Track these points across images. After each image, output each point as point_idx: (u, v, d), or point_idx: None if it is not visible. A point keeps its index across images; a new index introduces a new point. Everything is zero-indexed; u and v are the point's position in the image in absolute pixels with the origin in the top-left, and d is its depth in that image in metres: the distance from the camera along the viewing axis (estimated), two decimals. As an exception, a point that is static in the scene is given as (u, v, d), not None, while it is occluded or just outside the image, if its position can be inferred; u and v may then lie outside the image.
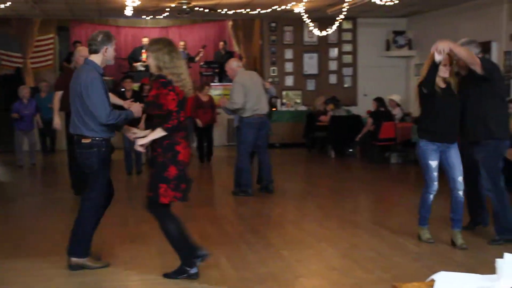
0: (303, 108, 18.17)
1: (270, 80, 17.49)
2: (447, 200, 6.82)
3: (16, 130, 13.93)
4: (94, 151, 5.86)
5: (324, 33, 16.89)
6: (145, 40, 18.59)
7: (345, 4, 14.32)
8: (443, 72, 6.44)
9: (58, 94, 9.68)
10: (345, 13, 15.16)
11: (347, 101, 17.88)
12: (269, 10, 15.76)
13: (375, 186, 11.40)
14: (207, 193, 10.81)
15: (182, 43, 19.47)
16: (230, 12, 16.34)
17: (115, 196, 6.26)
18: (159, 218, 5.59)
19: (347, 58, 18.76)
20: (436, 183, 6.69)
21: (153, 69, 5.48)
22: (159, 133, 5.38)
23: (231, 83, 10.24)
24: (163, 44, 5.50)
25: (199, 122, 13.83)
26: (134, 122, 8.98)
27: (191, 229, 7.31)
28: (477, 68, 6.44)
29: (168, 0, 14.52)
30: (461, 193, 6.62)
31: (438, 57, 6.26)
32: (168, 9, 15.66)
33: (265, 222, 8.14)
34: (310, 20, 16.21)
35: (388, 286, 4.68)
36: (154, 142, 5.44)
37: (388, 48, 18.42)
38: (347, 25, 18.45)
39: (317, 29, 16.83)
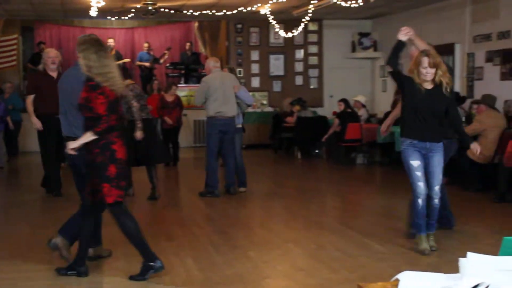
0: (269, 109, 18.20)
1: (243, 81, 17.49)
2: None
3: None
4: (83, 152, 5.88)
5: (290, 34, 16.96)
6: (111, 41, 18.45)
7: (310, 6, 14.37)
8: (424, 76, 6.23)
9: (30, 98, 9.59)
10: (310, 14, 15.22)
11: (313, 102, 17.95)
12: (235, 11, 15.77)
13: (341, 187, 11.47)
14: (174, 195, 10.78)
15: (146, 44, 19.38)
16: (196, 13, 16.31)
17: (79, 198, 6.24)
18: (114, 216, 5.63)
19: (313, 60, 18.85)
20: (420, 184, 6.36)
21: (84, 69, 5.47)
22: (89, 136, 5.38)
23: (197, 84, 10.27)
24: (90, 43, 5.50)
25: (168, 120, 13.63)
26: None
27: (158, 231, 7.30)
28: None
29: (134, 1, 14.44)
30: (436, 201, 6.49)
31: (402, 37, 6.36)
32: (133, 10, 15.57)
33: (232, 223, 8.13)
34: (276, 21, 16.25)
35: (354, 286, 4.71)
36: (89, 143, 5.43)
37: (353, 49, 18.54)
38: (313, 27, 18.53)
39: (283, 30, 16.88)
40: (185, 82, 18.44)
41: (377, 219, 7.82)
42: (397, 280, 2.66)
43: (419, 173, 6.36)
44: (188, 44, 19.73)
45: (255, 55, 18.50)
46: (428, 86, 6.32)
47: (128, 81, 9.13)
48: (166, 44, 20.54)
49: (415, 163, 6.37)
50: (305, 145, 15.62)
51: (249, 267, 6.05)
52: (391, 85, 15.86)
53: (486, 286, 2.47)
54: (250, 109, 17.93)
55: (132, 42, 21.55)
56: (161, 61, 18.97)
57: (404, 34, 6.35)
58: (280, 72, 18.66)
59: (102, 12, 15.37)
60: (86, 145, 5.44)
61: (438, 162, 6.38)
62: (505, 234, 3.57)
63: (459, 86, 13.86)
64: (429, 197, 6.48)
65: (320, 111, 17.67)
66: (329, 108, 17.88)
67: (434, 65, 6.22)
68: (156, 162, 9.91)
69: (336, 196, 10.79)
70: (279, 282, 5.68)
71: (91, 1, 13.62)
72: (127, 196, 9.42)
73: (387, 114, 11.46)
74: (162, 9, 14.94)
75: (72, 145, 5.46)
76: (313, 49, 18.83)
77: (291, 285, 5.58)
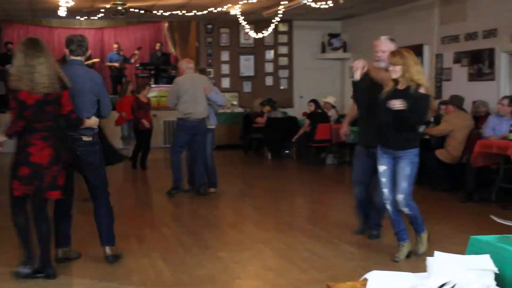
0: (239, 110, 18.20)
1: (213, 82, 17.46)
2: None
3: None
4: (97, 148, 6.08)
5: (260, 35, 16.98)
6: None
7: (280, 7, 14.40)
8: (394, 74, 6.01)
9: None
10: (280, 15, 15.26)
11: (283, 103, 17.99)
12: (205, 12, 15.74)
13: (311, 187, 11.52)
14: (144, 196, 10.74)
15: (115, 45, 19.28)
16: (166, 14, 16.25)
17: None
18: (11, 209, 5.67)
19: (283, 60, 18.89)
20: (384, 190, 6.21)
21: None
22: (3, 137, 5.55)
23: (167, 85, 10.28)
24: (23, 43, 5.53)
25: (145, 123, 13.50)
26: None
27: (128, 232, 7.27)
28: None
29: (103, 1, 14.35)
30: (404, 209, 6.24)
31: (356, 76, 6.38)
32: (103, 10, 15.47)
33: (202, 224, 8.12)
34: (246, 22, 16.25)
35: (324, 286, 4.75)
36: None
37: (323, 50, 18.62)
38: (283, 28, 18.58)
39: (253, 31, 16.90)
40: (155, 83, 18.37)
41: (346, 219, 7.86)
42: (366, 279, 2.69)
43: (383, 179, 6.20)
44: (158, 44, 19.66)
45: (225, 56, 18.49)
46: (402, 87, 5.99)
47: None
48: (136, 44, 20.45)
49: (381, 168, 6.22)
50: (275, 145, 15.65)
51: (220, 268, 6.05)
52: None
53: (453, 284, 2.51)
54: (220, 110, 17.94)
55: (101, 43, 21.42)
56: (132, 61, 18.87)
57: (355, 71, 6.30)
58: (250, 72, 18.67)
59: (71, 12, 15.25)
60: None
61: (400, 170, 6.07)
62: (472, 233, 3.62)
63: (427, 87, 13.96)
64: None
65: (290, 112, 17.72)
66: (299, 109, 17.93)
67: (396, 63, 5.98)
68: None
69: (306, 197, 10.83)
70: (249, 283, 5.69)
71: (59, 1, 13.51)
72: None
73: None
74: (131, 9, 14.87)
75: None
76: (283, 50, 18.88)
77: (261, 286, 5.60)
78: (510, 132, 9.12)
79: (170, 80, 16.89)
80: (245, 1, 14.17)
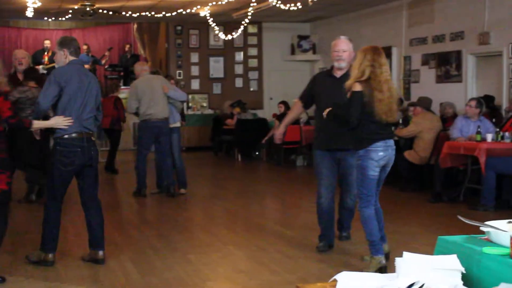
0: (209, 111, 18.19)
1: (183, 84, 17.44)
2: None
3: None
4: (96, 147, 6.21)
5: (229, 37, 16.98)
6: (47, 43, 18.15)
7: (250, 9, 14.41)
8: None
9: None
10: (250, 17, 15.27)
11: (253, 104, 18.01)
12: (174, 13, 15.70)
13: (281, 189, 11.55)
14: (112, 198, 10.66)
15: (85, 46, 19.12)
16: (135, 15, 16.17)
17: (14, 203, 6.14)
18: None
19: (253, 62, 18.91)
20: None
21: None
22: None
23: None
24: None
25: (123, 126, 13.44)
26: None
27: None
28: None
29: (71, 2, 14.23)
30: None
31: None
32: (71, 11, 15.35)
33: (171, 227, 8.09)
34: (215, 24, 16.25)
35: (294, 287, 4.76)
36: None
37: (293, 52, 18.67)
38: (252, 29, 18.60)
39: (222, 33, 16.90)
40: (124, 84, 18.25)
41: (316, 220, 7.88)
42: (335, 280, 2.70)
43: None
44: (127, 46, 19.55)
45: (194, 57, 18.45)
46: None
47: (31, 84, 8.91)
48: (105, 45, 20.32)
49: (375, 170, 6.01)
50: (245, 147, 15.66)
51: (190, 270, 6.03)
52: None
53: (421, 284, 2.53)
54: (190, 112, 17.91)
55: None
56: (103, 62, 18.75)
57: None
58: (220, 74, 18.66)
59: (39, 12, 15.11)
60: None
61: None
62: (440, 233, 3.66)
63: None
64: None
65: (260, 113, 17.74)
66: (269, 110, 17.97)
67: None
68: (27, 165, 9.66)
69: (276, 198, 10.85)
70: (219, 285, 5.68)
71: (27, 2, 13.38)
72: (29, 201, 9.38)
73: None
74: (100, 10, 14.77)
75: None
76: (253, 51, 18.90)
77: (231, 288, 5.60)
78: (477, 133, 9.23)
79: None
80: (215, 3, 14.15)
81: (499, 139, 9.13)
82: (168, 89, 10.03)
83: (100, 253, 6.22)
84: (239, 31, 16.74)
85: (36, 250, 6.21)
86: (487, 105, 10.64)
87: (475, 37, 12.17)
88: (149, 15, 16.12)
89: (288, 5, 13.56)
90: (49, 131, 6.23)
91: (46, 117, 6.17)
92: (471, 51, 12.39)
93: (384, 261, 5.75)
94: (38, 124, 5.93)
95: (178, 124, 10.45)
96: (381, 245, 5.81)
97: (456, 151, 9.30)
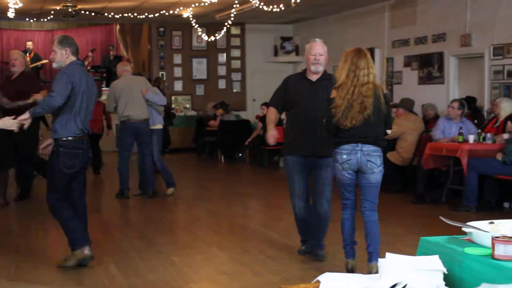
0: (192, 113, 18.16)
1: (166, 85, 17.40)
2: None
3: None
4: (91, 150, 6.28)
5: (212, 38, 16.98)
6: (29, 44, 18.06)
7: (233, 10, 14.42)
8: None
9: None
10: (233, 18, 15.27)
11: (236, 106, 18.01)
12: (157, 14, 15.67)
13: (264, 190, 11.55)
14: (95, 199, 10.61)
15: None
16: (117, 16, 16.12)
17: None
18: None
19: (236, 63, 18.92)
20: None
21: None
22: None
23: None
24: None
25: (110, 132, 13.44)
26: None
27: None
28: None
29: (53, 3, 14.16)
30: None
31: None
32: (53, 12, 15.27)
33: (155, 228, 8.07)
34: (198, 25, 16.23)
35: (277, 288, 4.77)
36: None
37: (276, 53, 18.70)
38: (235, 31, 18.60)
39: (205, 34, 16.89)
40: (107, 86, 18.17)
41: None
42: (318, 281, 2.71)
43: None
44: (110, 47, 19.49)
45: (177, 59, 18.42)
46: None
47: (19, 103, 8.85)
48: (87, 47, 20.23)
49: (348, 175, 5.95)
50: (229, 148, 15.66)
51: (173, 272, 6.02)
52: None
53: (404, 285, 2.54)
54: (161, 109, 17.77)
55: (51, 45, 21.13)
56: (86, 63, 18.66)
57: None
58: (203, 75, 18.64)
59: (20, 13, 15.02)
60: None
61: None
62: (423, 234, 3.68)
63: (378, 90, 14.13)
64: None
65: (243, 115, 17.75)
66: (252, 112, 17.98)
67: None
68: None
69: (259, 199, 10.86)
70: (203, 287, 5.68)
71: (8, 2, 13.29)
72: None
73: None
74: (82, 11, 14.71)
75: None
76: (236, 53, 18.90)
77: (215, 289, 5.59)
78: (460, 134, 9.29)
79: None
80: (197, 4, 14.14)
81: (481, 140, 9.19)
82: (147, 92, 9.98)
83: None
84: (222, 32, 16.75)
85: (68, 255, 6.07)
86: (469, 107, 10.71)
87: (457, 39, 12.25)
88: (132, 16, 16.07)
89: (271, 7, 13.58)
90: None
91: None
92: (453, 53, 12.47)
93: (349, 266, 5.76)
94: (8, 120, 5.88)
95: (158, 126, 10.42)
96: (351, 249, 5.81)
97: (438, 152, 9.35)
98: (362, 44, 11.89)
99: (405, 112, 10.58)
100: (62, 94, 5.83)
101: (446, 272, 2.71)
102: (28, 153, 9.51)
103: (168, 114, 12.35)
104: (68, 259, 6.01)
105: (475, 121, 10.14)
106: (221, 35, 17.00)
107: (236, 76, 18.93)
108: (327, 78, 6.24)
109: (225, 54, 18.80)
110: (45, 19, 16.84)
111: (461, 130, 9.33)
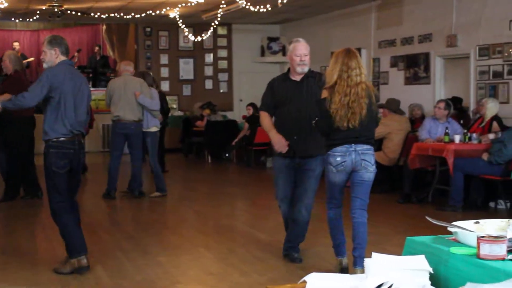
0: (179, 113, 18.14)
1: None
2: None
3: None
4: (84, 151, 6.21)
5: (199, 38, 16.96)
6: (16, 45, 17.98)
7: (219, 10, 14.42)
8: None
9: None
10: (219, 19, 15.26)
11: (223, 106, 18.00)
12: (143, 14, 15.63)
13: (251, 190, 11.56)
14: (81, 200, 10.57)
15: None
16: (104, 16, 16.07)
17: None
18: None
19: (223, 64, 18.91)
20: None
21: None
22: None
23: (106, 88, 10.35)
24: None
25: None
26: None
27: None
28: None
29: (39, 3, 14.10)
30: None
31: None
32: (38, 12, 15.21)
33: (142, 229, 8.06)
34: (185, 25, 16.21)
35: (264, 288, 4.77)
36: None
37: (262, 54, 18.70)
38: (222, 31, 18.60)
39: (192, 34, 16.87)
40: (93, 86, 18.12)
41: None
42: (305, 282, 2.71)
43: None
44: (96, 47, 19.42)
45: (164, 59, 18.40)
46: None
47: None
48: (73, 47, 20.11)
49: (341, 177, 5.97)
50: (215, 149, 15.65)
51: (160, 273, 6.01)
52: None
53: (390, 285, 2.55)
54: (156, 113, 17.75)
55: (38, 45, 21.03)
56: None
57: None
58: (190, 76, 18.62)
59: (6, 13, 14.94)
60: None
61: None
62: (409, 234, 3.69)
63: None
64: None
65: (230, 115, 17.75)
66: (239, 112, 17.98)
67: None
68: None
69: (246, 200, 10.86)
70: (190, 287, 5.67)
71: (-7, 2, 13.23)
72: None
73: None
74: (68, 11, 14.66)
75: None
76: (223, 53, 18.89)
77: (201, 290, 5.59)
78: (446, 135, 9.33)
79: (109, 83, 16.73)
80: (184, 4, 14.12)
81: (467, 140, 9.24)
82: (139, 95, 9.91)
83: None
84: (209, 32, 16.75)
85: (65, 261, 6.01)
86: (455, 107, 10.76)
87: (443, 39, 12.30)
88: (118, 16, 16.03)
89: (257, 7, 13.59)
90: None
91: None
92: (439, 53, 12.53)
93: (344, 263, 5.79)
94: None
95: (153, 129, 10.38)
96: (342, 248, 5.82)
97: (424, 152, 9.39)
98: (348, 44, 11.92)
99: (390, 112, 10.60)
100: (33, 97, 5.85)
101: (432, 272, 2.72)
102: (19, 153, 9.51)
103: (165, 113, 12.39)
104: (65, 265, 5.96)
105: (461, 121, 10.19)
106: (207, 36, 17.00)
107: (223, 77, 18.93)
108: (310, 76, 6.24)
109: (212, 55, 18.79)
110: (31, 19, 16.76)
111: (447, 130, 9.37)
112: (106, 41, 19.94)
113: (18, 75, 9.33)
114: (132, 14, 15.68)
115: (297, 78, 6.26)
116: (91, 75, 18.56)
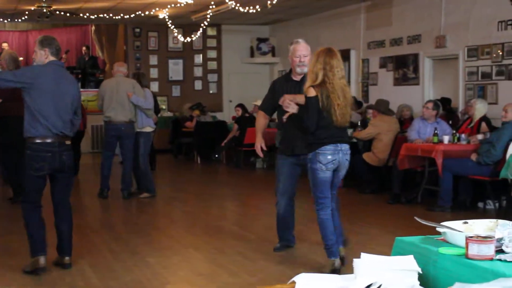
0: (168, 114, 18.11)
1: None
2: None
3: None
4: (70, 152, 6.09)
5: (188, 39, 16.95)
6: (5, 45, 17.90)
7: (209, 11, 14.41)
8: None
9: None
10: (209, 19, 15.26)
11: (212, 107, 18.00)
12: (133, 15, 15.60)
13: (241, 191, 11.55)
14: (71, 201, 10.54)
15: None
16: (93, 17, 16.02)
17: None
18: None
19: (212, 65, 18.90)
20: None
21: None
22: None
23: (95, 89, 10.33)
24: None
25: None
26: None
27: (55, 239, 7.12)
28: None
29: (27, 3, 14.04)
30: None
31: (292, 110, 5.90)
32: (27, 12, 15.15)
33: (131, 230, 8.04)
34: (174, 26, 16.19)
35: (254, 289, 4.77)
36: None
37: (252, 54, 18.71)
38: (211, 32, 18.59)
39: (181, 35, 16.85)
40: (82, 87, 18.04)
41: (275, 222, 7.90)
42: (294, 282, 2.71)
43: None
44: (84, 48, 19.37)
45: (153, 60, 18.36)
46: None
47: None
48: (62, 47, 20.05)
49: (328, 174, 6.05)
50: (205, 149, 15.63)
51: (149, 274, 6.00)
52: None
53: (379, 285, 2.55)
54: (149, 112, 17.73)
55: (26, 46, 20.98)
56: (60, 64, 18.55)
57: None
58: (179, 77, 18.60)
59: (-6, 14, 14.89)
60: None
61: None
62: (398, 234, 3.70)
63: (355, 91, 14.22)
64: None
65: (220, 116, 17.74)
66: (228, 113, 17.97)
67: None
68: None
69: (236, 200, 10.85)
70: (179, 288, 5.67)
71: (-18, 3, 13.18)
72: None
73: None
74: (57, 12, 14.61)
75: None
76: (212, 54, 18.88)
77: (191, 290, 5.58)
78: (434, 135, 9.35)
79: (98, 84, 16.68)
80: (173, 5, 14.11)
81: (456, 141, 9.27)
82: (132, 95, 9.90)
83: (66, 258, 6.13)
84: (198, 33, 16.73)
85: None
86: (444, 107, 10.80)
87: (431, 40, 12.34)
88: (107, 17, 15.99)
89: (247, 8, 13.59)
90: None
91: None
92: (428, 54, 12.57)
93: (337, 264, 5.79)
94: None
95: (146, 129, 10.35)
96: (335, 249, 5.82)
97: (413, 153, 9.41)
98: (337, 45, 12.00)
99: (379, 113, 10.63)
100: (5, 80, 5.89)
101: (420, 272, 2.73)
102: (18, 153, 9.47)
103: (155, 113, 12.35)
104: (28, 264, 5.99)
105: (450, 122, 10.23)
106: (197, 36, 16.98)
107: (212, 77, 18.91)
108: None
109: (201, 55, 18.77)
110: (19, 20, 16.68)
111: (436, 131, 9.40)
112: (95, 41, 19.89)
113: None
114: (121, 14, 15.64)
115: (298, 78, 6.49)
116: (80, 76, 18.51)
